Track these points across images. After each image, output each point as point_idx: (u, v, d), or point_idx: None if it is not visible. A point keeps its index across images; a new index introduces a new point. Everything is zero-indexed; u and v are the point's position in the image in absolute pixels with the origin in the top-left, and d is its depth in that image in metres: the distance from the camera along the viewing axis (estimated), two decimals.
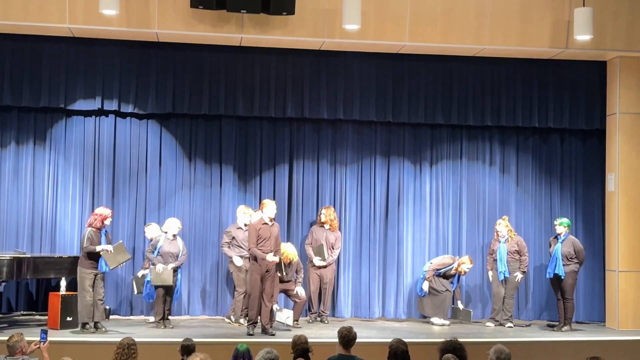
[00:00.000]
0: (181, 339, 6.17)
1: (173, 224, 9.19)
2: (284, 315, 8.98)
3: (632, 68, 10.15)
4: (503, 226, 9.92)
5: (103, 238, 8.61)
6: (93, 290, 8.47)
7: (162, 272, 8.88)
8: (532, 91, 10.44)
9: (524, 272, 9.93)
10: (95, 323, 8.52)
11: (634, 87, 10.18)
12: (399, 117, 10.35)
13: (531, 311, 10.64)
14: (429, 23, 9.59)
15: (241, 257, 9.30)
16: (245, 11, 9.02)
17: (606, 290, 10.36)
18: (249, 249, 8.67)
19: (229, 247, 9.46)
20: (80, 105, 9.85)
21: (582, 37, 9.42)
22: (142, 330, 8.80)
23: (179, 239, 9.21)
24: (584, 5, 9.36)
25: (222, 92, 10.01)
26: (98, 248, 8.48)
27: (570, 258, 9.59)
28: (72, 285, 8.95)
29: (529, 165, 10.82)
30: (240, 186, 10.37)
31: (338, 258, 10.21)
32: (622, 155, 10.17)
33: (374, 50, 10.07)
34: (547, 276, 9.82)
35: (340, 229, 10.20)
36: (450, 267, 10.02)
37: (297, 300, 9.40)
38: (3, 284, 8.85)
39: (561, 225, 9.70)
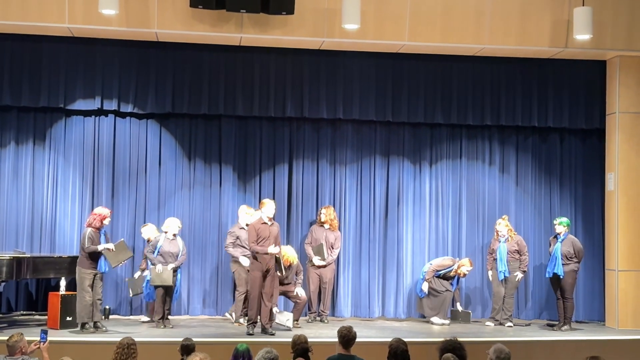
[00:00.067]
0: (181, 339, 6.17)
1: (173, 224, 9.19)
2: (284, 318, 8.97)
3: (632, 67, 10.16)
4: (503, 226, 9.92)
5: (102, 238, 8.61)
6: (92, 290, 8.47)
7: (162, 272, 8.88)
8: (532, 90, 10.45)
9: (524, 272, 9.93)
10: (95, 323, 8.52)
11: (634, 86, 10.18)
12: (399, 117, 10.35)
13: (531, 310, 10.64)
14: (428, 22, 9.59)
15: (246, 256, 9.30)
16: (244, 11, 9.02)
17: (606, 289, 10.36)
18: (250, 248, 8.67)
19: (233, 247, 9.46)
20: (80, 105, 9.85)
21: (582, 36, 9.42)
22: (141, 330, 8.80)
23: (178, 238, 9.21)
24: (583, 5, 9.36)
25: (221, 92, 10.01)
26: (100, 247, 8.49)
27: (570, 257, 9.59)
28: (72, 285, 8.95)
29: (528, 164, 10.82)
30: (240, 186, 10.37)
31: (338, 258, 10.21)
32: (622, 154, 10.17)
33: (373, 49, 10.07)
34: (547, 276, 9.82)
35: (340, 229, 10.20)
36: (450, 269, 10.02)
37: (297, 301, 9.40)
38: (3, 283, 8.85)
39: (561, 225, 9.70)
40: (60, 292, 8.87)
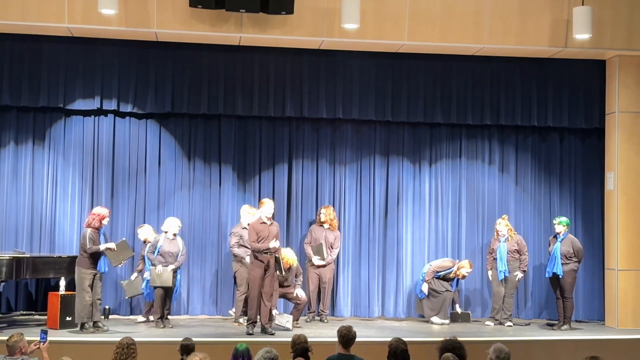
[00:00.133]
0: (180, 339, 6.17)
1: (173, 224, 9.19)
2: (284, 320, 8.94)
3: (631, 67, 10.16)
4: (503, 225, 9.92)
5: (102, 238, 8.61)
6: (92, 290, 8.47)
7: (161, 273, 8.88)
8: (531, 90, 10.45)
9: (524, 271, 9.94)
10: (96, 322, 8.52)
11: (633, 85, 10.18)
12: (398, 116, 10.35)
13: (531, 310, 10.64)
14: (428, 22, 9.59)
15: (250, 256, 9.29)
16: (244, 10, 9.01)
17: (605, 289, 10.36)
18: (250, 246, 8.65)
19: (238, 247, 9.44)
20: (79, 104, 9.84)
21: (581, 36, 9.43)
22: (141, 329, 8.80)
23: (178, 238, 9.21)
24: (583, 4, 9.36)
25: (221, 92, 10.01)
26: (102, 247, 8.49)
27: (569, 257, 9.59)
28: (72, 285, 8.94)
29: (528, 164, 10.82)
30: (240, 186, 10.37)
31: (337, 257, 10.21)
32: (621, 153, 10.17)
33: (373, 49, 10.07)
34: (546, 275, 9.82)
35: (339, 228, 10.20)
36: (449, 270, 10.01)
37: (297, 302, 9.39)
38: (2, 283, 8.84)
39: (560, 225, 9.70)
40: (60, 292, 8.87)
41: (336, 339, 6.00)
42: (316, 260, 9.80)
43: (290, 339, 6.02)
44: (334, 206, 10.30)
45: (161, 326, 8.91)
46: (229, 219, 10.22)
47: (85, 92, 9.79)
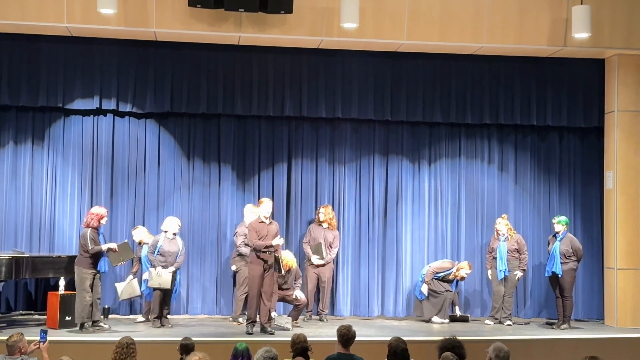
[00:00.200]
0: (180, 338, 6.17)
1: (173, 223, 9.18)
2: (283, 321, 8.92)
3: (630, 66, 10.16)
4: (503, 225, 9.92)
5: (101, 238, 8.62)
6: (92, 290, 8.47)
7: (161, 274, 8.87)
8: (531, 89, 10.45)
9: (523, 271, 9.94)
10: (96, 322, 8.52)
11: (632, 84, 10.18)
12: (398, 116, 10.35)
13: (530, 309, 10.64)
14: (427, 21, 9.59)
15: None
16: (243, 10, 9.01)
17: (605, 287, 10.36)
18: (252, 245, 8.64)
19: (245, 246, 9.42)
20: (79, 104, 9.84)
21: (580, 35, 9.43)
22: (141, 329, 8.80)
23: (178, 238, 9.20)
24: (582, 3, 9.36)
25: (220, 91, 10.01)
26: (104, 247, 8.50)
27: (569, 256, 9.60)
28: (71, 285, 8.94)
29: (527, 163, 10.82)
30: (239, 185, 10.37)
31: (337, 257, 10.21)
32: (621, 152, 10.17)
33: (372, 48, 10.07)
34: (546, 274, 9.83)
35: (338, 228, 10.20)
36: (449, 271, 10.01)
37: (297, 304, 9.37)
38: (2, 283, 8.82)
39: (559, 224, 9.70)
40: (60, 292, 8.86)
41: (336, 339, 5.99)
42: (315, 260, 9.80)
43: (289, 339, 6.02)
44: (333, 205, 10.30)
45: (158, 325, 8.90)
46: (228, 218, 10.22)
47: (85, 91, 9.79)
